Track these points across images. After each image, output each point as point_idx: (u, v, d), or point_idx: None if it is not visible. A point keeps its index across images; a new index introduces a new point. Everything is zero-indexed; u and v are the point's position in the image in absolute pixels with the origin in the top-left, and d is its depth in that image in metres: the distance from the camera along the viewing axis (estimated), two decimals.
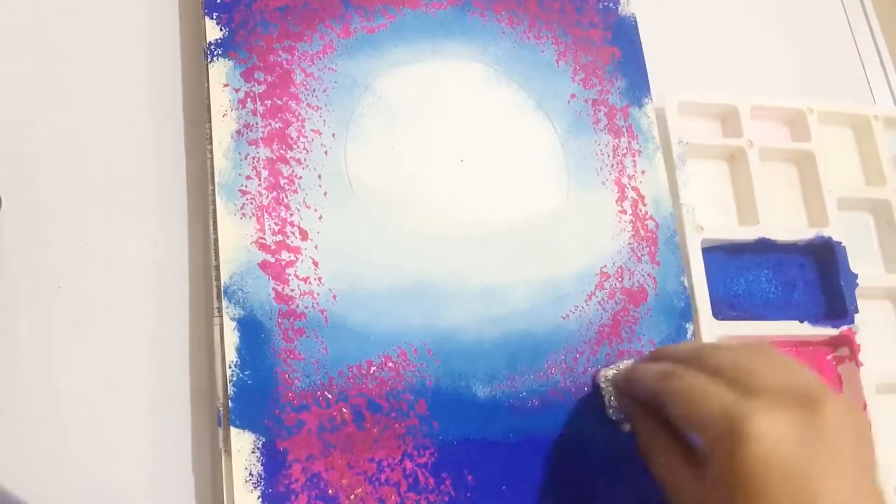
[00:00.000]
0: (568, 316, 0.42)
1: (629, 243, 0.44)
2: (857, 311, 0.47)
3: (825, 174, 0.50)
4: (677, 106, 0.48)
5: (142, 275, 0.39)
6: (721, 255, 0.47)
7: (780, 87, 0.54)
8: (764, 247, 0.48)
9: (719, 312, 0.45)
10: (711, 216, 0.48)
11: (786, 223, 0.49)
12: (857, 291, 0.48)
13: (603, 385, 0.41)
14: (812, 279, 0.49)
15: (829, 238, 0.48)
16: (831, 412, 0.31)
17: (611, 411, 0.40)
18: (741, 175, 0.49)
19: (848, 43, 0.58)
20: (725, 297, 0.47)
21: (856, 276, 0.48)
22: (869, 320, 0.48)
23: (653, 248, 0.45)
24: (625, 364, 0.41)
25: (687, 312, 0.44)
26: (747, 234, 0.47)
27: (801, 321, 0.46)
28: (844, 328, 0.47)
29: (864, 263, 0.49)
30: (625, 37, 0.48)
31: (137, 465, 0.36)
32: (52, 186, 0.39)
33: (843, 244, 0.48)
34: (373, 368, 0.38)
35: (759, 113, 0.50)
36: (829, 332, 0.47)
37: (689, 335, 0.44)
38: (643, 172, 0.46)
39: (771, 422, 0.31)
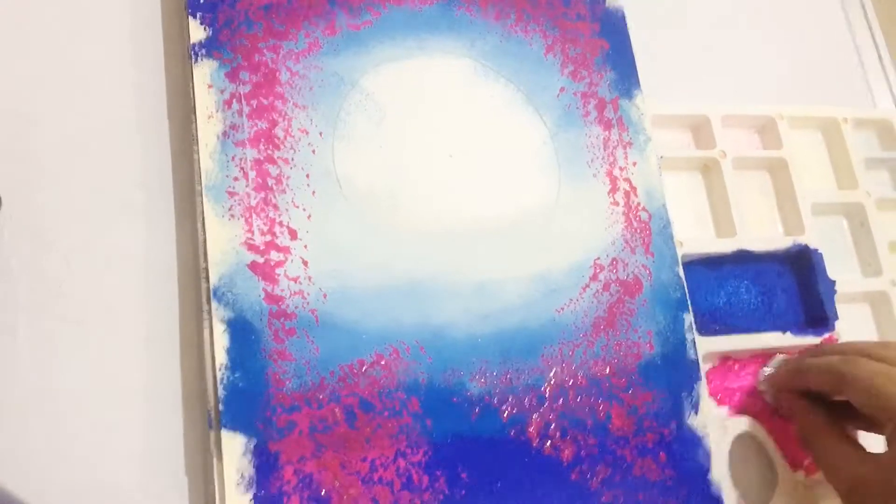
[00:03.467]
0: (562, 309, 0.42)
1: (622, 235, 0.44)
2: (837, 318, 0.47)
3: (798, 180, 0.49)
4: (650, 119, 0.47)
5: (141, 275, 0.39)
6: (701, 269, 0.47)
7: (779, 91, 0.54)
8: (742, 258, 0.47)
9: (702, 327, 0.45)
10: (688, 229, 0.48)
11: (762, 232, 0.49)
12: (836, 297, 0.47)
13: (764, 388, 0.45)
14: (791, 288, 0.48)
15: (806, 246, 0.48)
16: None
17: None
18: (716, 186, 0.49)
19: (847, 45, 0.58)
20: (707, 310, 0.46)
21: (834, 283, 0.47)
22: (849, 325, 0.47)
23: (646, 238, 0.44)
24: (777, 360, 0.45)
25: (683, 302, 0.44)
26: (725, 246, 0.47)
27: (784, 332, 0.46)
28: (826, 336, 0.46)
29: (840, 268, 0.49)
30: (613, 28, 0.47)
31: (134, 467, 0.36)
32: (52, 186, 0.39)
33: (819, 251, 0.48)
34: (364, 367, 0.37)
35: (730, 121, 0.50)
36: (811, 340, 0.46)
37: (686, 325, 0.43)
38: (634, 164, 0.45)
39: None
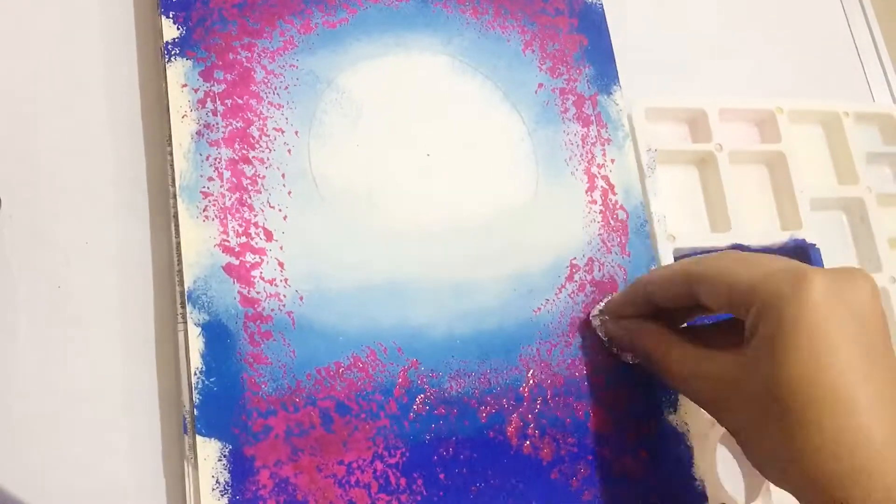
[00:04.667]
0: (539, 309, 0.41)
1: (599, 234, 0.44)
2: None
3: (797, 175, 0.49)
4: (644, 112, 0.47)
5: (141, 275, 0.39)
6: None
7: (778, 87, 0.53)
8: None
9: (693, 324, 0.45)
10: (683, 223, 0.47)
11: (759, 227, 0.49)
12: None
13: (597, 323, 0.42)
14: None
15: (804, 241, 0.48)
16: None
17: (609, 345, 0.42)
18: (712, 180, 0.48)
19: (847, 42, 0.57)
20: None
21: None
22: None
23: (623, 238, 0.44)
24: (609, 297, 0.42)
25: None
26: (720, 241, 0.46)
27: None
28: None
29: (838, 263, 0.49)
30: (591, 24, 0.47)
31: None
32: (49, 186, 0.39)
33: (817, 246, 0.48)
34: (341, 370, 0.37)
35: (727, 115, 0.49)
36: None
37: None
38: (613, 161, 0.45)
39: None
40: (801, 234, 0.48)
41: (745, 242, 0.47)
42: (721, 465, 0.43)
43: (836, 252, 0.50)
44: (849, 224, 0.51)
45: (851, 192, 0.50)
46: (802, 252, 0.48)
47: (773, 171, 0.50)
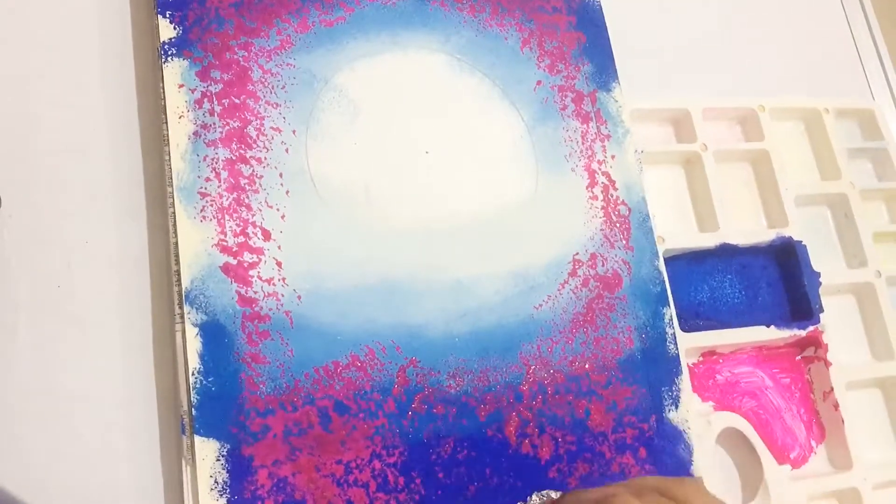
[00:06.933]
0: (541, 306, 0.41)
1: (601, 229, 0.44)
2: (822, 311, 0.46)
3: (781, 172, 0.49)
4: (629, 114, 0.47)
5: (139, 275, 0.39)
6: (683, 264, 0.46)
7: (779, 86, 0.53)
8: (726, 252, 0.47)
9: (685, 322, 0.45)
10: (671, 223, 0.47)
11: (745, 226, 0.49)
12: (821, 289, 0.47)
13: None
14: (775, 281, 0.48)
15: (790, 238, 0.48)
16: None
17: None
18: (698, 179, 0.48)
19: (847, 41, 0.57)
20: (690, 305, 0.46)
21: (819, 275, 0.47)
22: (834, 316, 0.47)
23: (626, 232, 0.44)
24: (545, 494, 0.39)
25: (663, 297, 0.44)
26: (708, 240, 0.46)
27: (768, 326, 0.45)
28: (811, 328, 0.46)
29: (824, 259, 0.49)
30: (590, 21, 0.47)
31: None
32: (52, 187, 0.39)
33: (803, 243, 0.48)
34: (339, 369, 0.37)
35: (711, 114, 0.49)
36: (795, 334, 0.46)
37: (666, 320, 0.43)
38: (613, 157, 0.45)
39: None
40: (787, 232, 0.48)
41: (733, 242, 0.47)
42: (719, 464, 0.43)
43: (822, 248, 0.50)
44: (833, 220, 0.51)
45: (835, 188, 0.51)
46: (789, 249, 0.48)
47: (757, 169, 0.50)
